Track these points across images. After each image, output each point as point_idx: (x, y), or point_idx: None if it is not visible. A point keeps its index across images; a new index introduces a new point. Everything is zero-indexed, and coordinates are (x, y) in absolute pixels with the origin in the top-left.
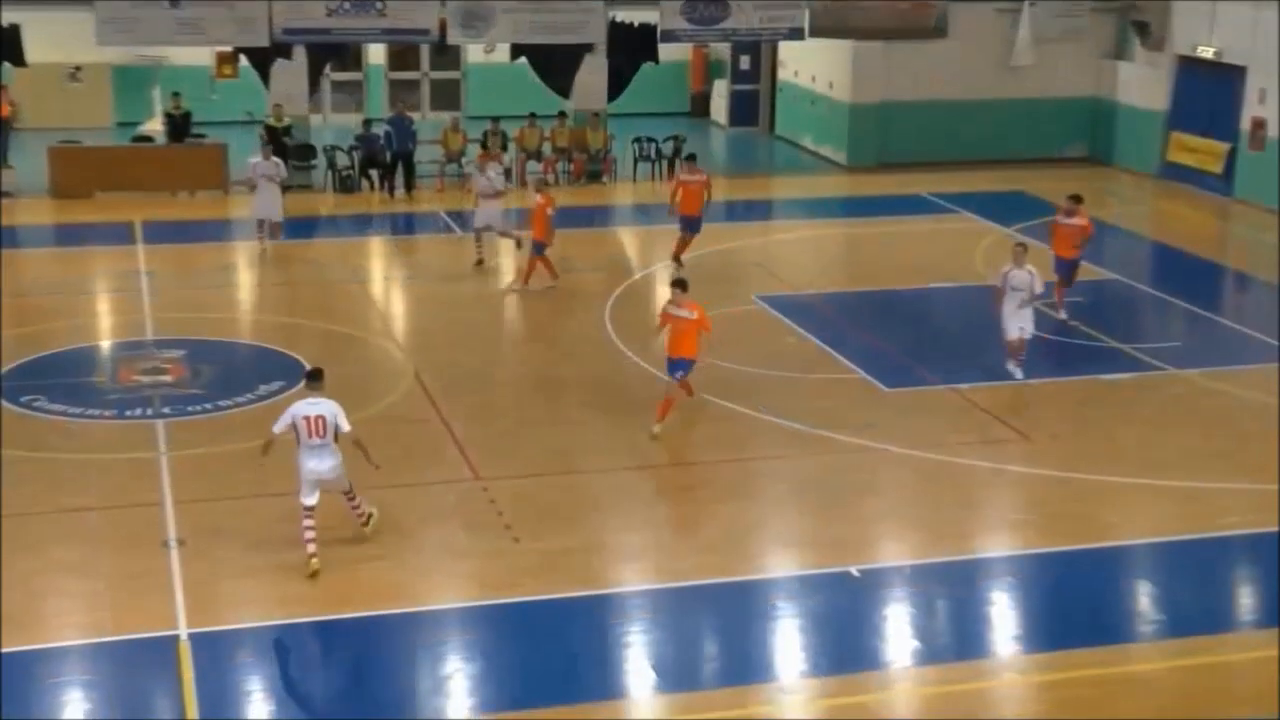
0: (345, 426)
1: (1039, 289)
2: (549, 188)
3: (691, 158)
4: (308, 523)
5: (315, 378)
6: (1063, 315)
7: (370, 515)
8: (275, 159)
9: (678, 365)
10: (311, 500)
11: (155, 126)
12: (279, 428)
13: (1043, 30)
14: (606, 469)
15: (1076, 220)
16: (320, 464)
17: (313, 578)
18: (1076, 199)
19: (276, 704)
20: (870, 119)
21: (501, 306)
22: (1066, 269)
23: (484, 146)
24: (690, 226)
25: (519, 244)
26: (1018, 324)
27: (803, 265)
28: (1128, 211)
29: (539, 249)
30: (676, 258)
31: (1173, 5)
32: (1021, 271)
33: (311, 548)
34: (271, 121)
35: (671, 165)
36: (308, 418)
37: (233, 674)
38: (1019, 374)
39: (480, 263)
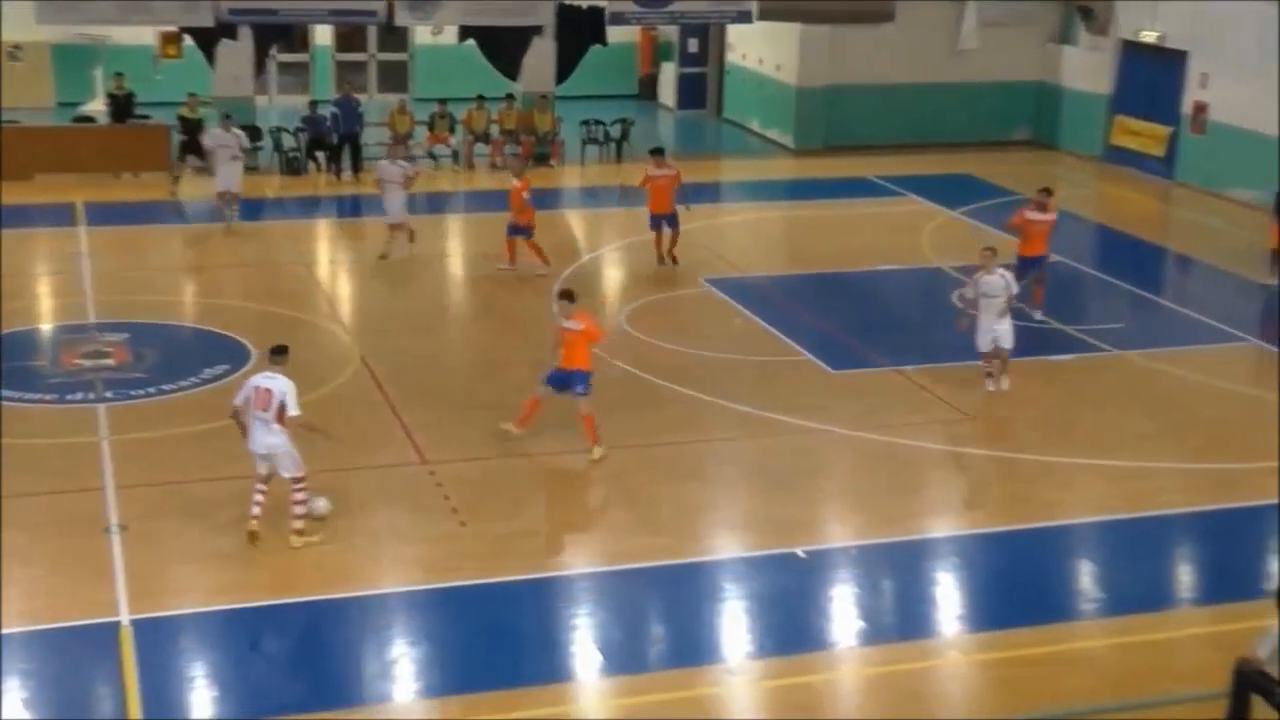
0: (292, 409)
1: (1015, 291)
2: (526, 170)
3: (659, 151)
4: (256, 490)
5: (277, 353)
6: (1040, 315)
7: (303, 534)
8: (236, 130)
9: (573, 378)
10: (261, 470)
11: (98, 107)
12: (238, 400)
13: (988, 15)
14: (554, 452)
15: (1049, 215)
16: (262, 438)
17: (250, 539)
18: (1047, 192)
19: (220, 690)
20: (818, 102)
21: (449, 290)
22: (1038, 265)
23: (431, 129)
24: (668, 223)
25: (412, 237)
26: (992, 335)
27: (750, 248)
28: (1072, 194)
29: (519, 231)
30: (668, 256)
31: None
32: (993, 276)
33: (255, 510)
34: (185, 112)
35: (619, 148)
36: (258, 388)
37: (176, 660)
38: (1000, 385)
39: (384, 256)
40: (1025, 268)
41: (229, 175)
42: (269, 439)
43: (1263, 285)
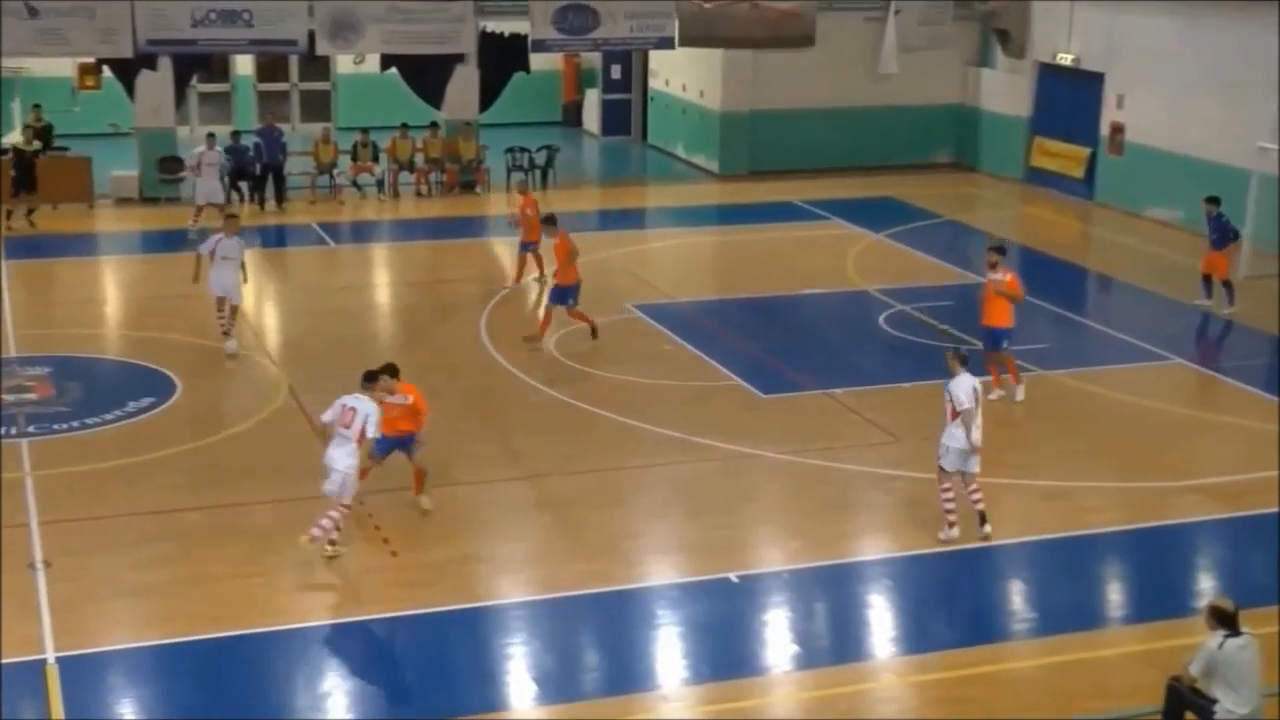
0: (371, 432)
1: (970, 403)
2: (529, 189)
3: (551, 220)
4: (328, 514)
5: (369, 379)
6: (1020, 397)
7: (335, 545)
8: (218, 148)
9: (397, 442)
10: (326, 487)
11: (15, 139)
12: (327, 416)
13: (908, 39)
14: (485, 480)
15: (998, 275)
16: (339, 455)
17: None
18: (999, 250)
19: None
20: (741, 127)
21: (376, 319)
22: (1001, 338)
23: (355, 158)
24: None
25: (233, 353)
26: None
27: (677, 273)
28: (994, 216)
29: (528, 247)
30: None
31: (1032, 13)
32: (960, 381)
33: (330, 535)
34: (20, 143)
35: (544, 175)
36: (345, 406)
37: (103, 697)
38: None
39: (227, 334)
40: (995, 340)
41: (212, 189)
42: (345, 459)
43: (1196, 306)
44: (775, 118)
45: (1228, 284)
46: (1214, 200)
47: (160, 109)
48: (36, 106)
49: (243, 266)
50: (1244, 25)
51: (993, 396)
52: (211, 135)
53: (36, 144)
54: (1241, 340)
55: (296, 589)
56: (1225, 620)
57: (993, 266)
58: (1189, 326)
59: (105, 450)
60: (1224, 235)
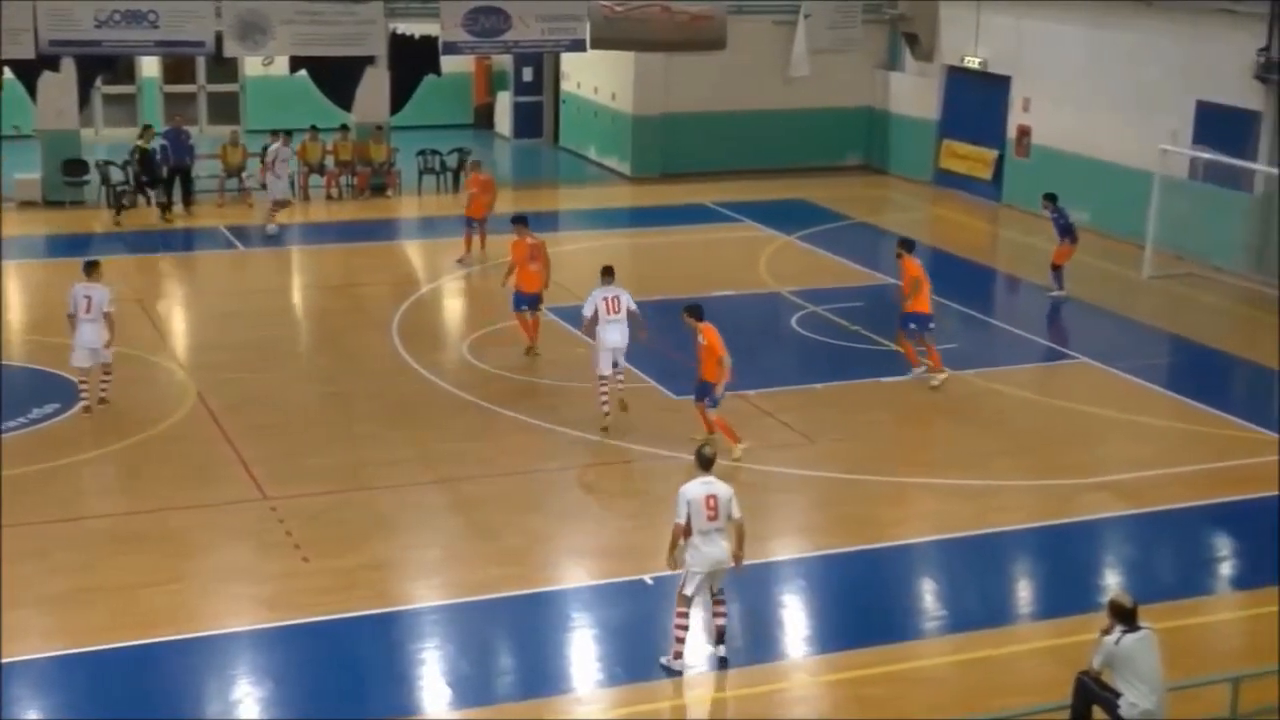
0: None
1: (736, 513)
2: (479, 168)
3: (521, 220)
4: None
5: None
6: (936, 383)
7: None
8: (290, 146)
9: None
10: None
11: None
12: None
13: (818, 42)
14: (399, 484)
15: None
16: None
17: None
18: (907, 245)
19: None
20: (653, 130)
21: (286, 323)
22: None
23: (263, 161)
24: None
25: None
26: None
27: (590, 276)
28: (904, 218)
29: (470, 224)
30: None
31: (940, 17)
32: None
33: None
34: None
35: (456, 178)
36: (606, 298)
37: (14, 709)
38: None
39: (96, 405)
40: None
41: (284, 186)
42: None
43: (1051, 296)
44: (687, 120)
45: (1059, 268)
46: (1051, 197)
47: (64, 111)
48: None
49: (108, 320)
50: (1147, 29)
51: (919, 371)
52: (288, 133)
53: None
54: (1145, 340)
55: (207, 596)
56: (1123, 615)
57: (900, 259)
58: (1094, 326)
59: (10, 458)
60: (1066, 228)
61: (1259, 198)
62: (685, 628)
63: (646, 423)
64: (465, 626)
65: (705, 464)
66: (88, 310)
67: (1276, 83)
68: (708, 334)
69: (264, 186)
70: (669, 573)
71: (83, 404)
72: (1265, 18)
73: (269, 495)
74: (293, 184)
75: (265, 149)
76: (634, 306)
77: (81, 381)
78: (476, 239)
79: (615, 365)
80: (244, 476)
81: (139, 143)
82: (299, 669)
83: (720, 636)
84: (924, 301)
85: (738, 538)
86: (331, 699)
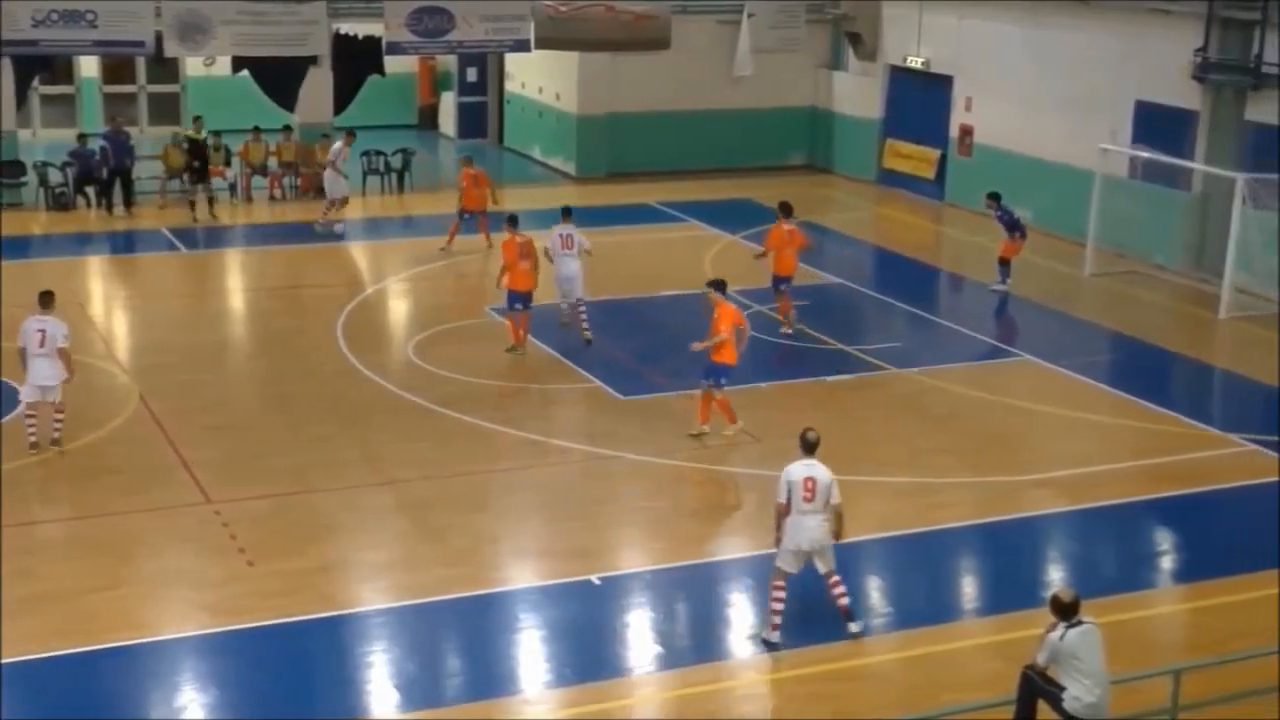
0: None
1: (835, 498)
2: (470, 163)
3: (512, 220)
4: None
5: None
6: (788, 330)
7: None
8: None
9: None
10: None
11: None
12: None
13: (761, 42)
14: (344, 486)
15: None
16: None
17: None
18: (785, 209)
19: None
20: (598, 130)
21: (230, 325)
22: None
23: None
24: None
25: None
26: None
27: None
28: (848, 217)
29: (464, 216)
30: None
31: (883, 17)
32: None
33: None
34: (191, 133)
35: (400, 179)
36: (561, 235)
37: None
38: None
39: (47, 446)
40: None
41: (343, 185)
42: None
43: (993, 289)
44: (632, 120)
45: (1007, 263)
46: (994, 196)
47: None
48: None
49: (63, 356)
50: (1087, 30)
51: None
52: (352, 131)
53: (205, 132)
54: (1087, 337)
55: (152, 601)
56: (1065, 610)
57: (786, 214)
58: (1037, 323)
59: None
60: (1012, 225)
61: (1197, 196)
62: (781, 600)
63: (592, 423)
64: (413, 628)
65: (808, 447)
66: (41, 344)
67: (1213, 83)
68: (720, 309)
69: (322, 189)
70: (616, 573)
71: (30, 442)
72: (1202, 18)
73: (213, 499)
74: (235, 187)
75: (328, 148)
76: (586, 244)
77: (29, 417)
78: (479, 231)
79: (567, 297)
80: (188, 480)
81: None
82: (245, 674)
83: (849, 615)
84: (787, 264)
85: (837, 520)
86: (278, 704)
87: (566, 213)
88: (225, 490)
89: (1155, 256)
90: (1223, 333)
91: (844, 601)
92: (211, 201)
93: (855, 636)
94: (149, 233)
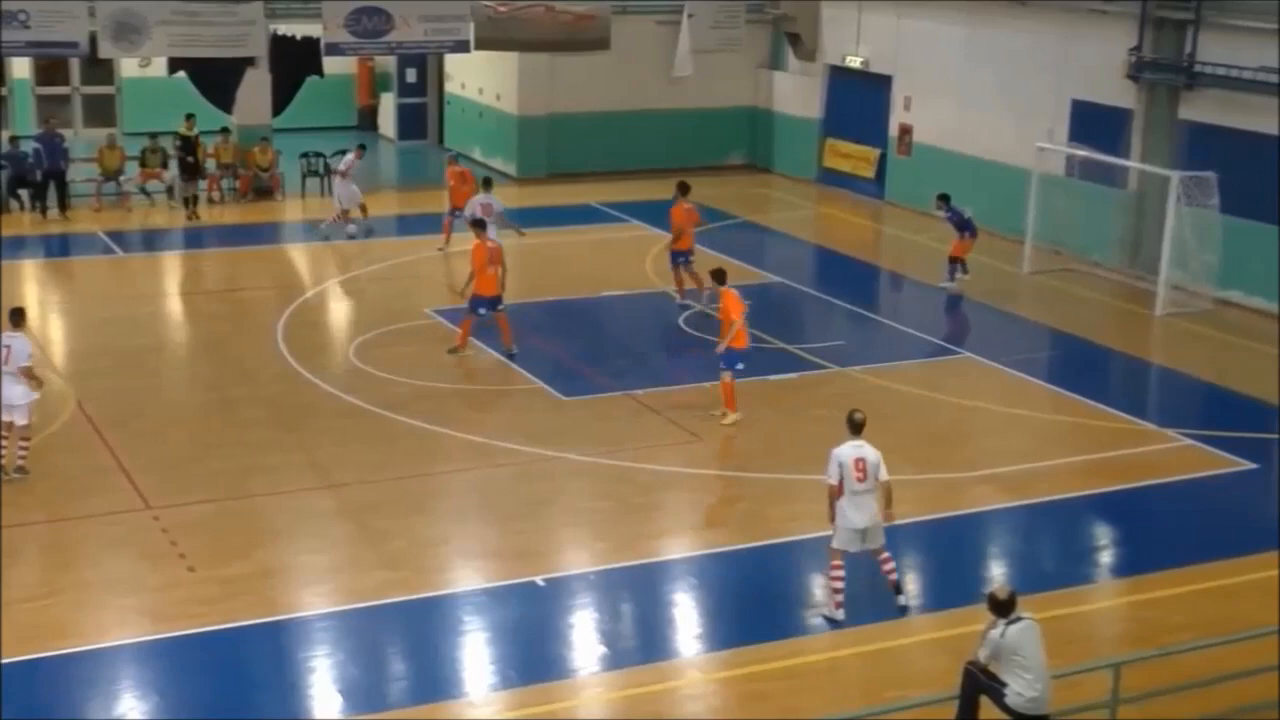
0: (883, 475)
1: (884, 476)
2: (455, 161)
3: (480, 224)
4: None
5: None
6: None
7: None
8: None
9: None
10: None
11: None
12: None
13: (701, 42)
14: (285, 491)
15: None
16: (861, 512)
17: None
18: (683, 188)
19: None
20: (539, 130)
21: (169, 329)
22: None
23: (143, 164)
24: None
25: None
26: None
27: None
28: (789, 216)
29: (455, 214)
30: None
31: (822, 17)
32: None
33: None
34: (183, 130)
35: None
36: (481, 204)
37: None
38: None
39: (12, 474)
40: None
41: (350, 193)
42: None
43: (942, 286)
44: (572, 121)
45: (956, 261)
46: (944, 198)
47: None
48: None
49: (27, 374)
50: (1024, 30)
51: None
52: (363, 146)
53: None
54: (1026, 334)
55: (90, 610)
56: (1003, 608)
57: (683, 193)
58: (977, 321)
59: None
60: (962, 224)
61: (1132, 194)
62: (841, 578)
63: (535, 425)
64: (356, 633)
65: (855, 428)
66: (5, 362)
67: (1147, 82)
68: (726, 298)
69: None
70: (560, 574)
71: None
72: (1136, 18)
73: (152, 505)
74: (172, 190)
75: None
76: (501, 208)
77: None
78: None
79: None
80: (126, 486)
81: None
82: (186, 680)
83: (897, 588)
84: (688, 241)
85: (886, 498)
86: (220, 710)
87: (487, 183)
88: (164, 496)
89: (1092, 254)
90: (1159, 329)
91: (893, 576)
92: (197, 199)
93: (903, 609)
94: (85, 236)
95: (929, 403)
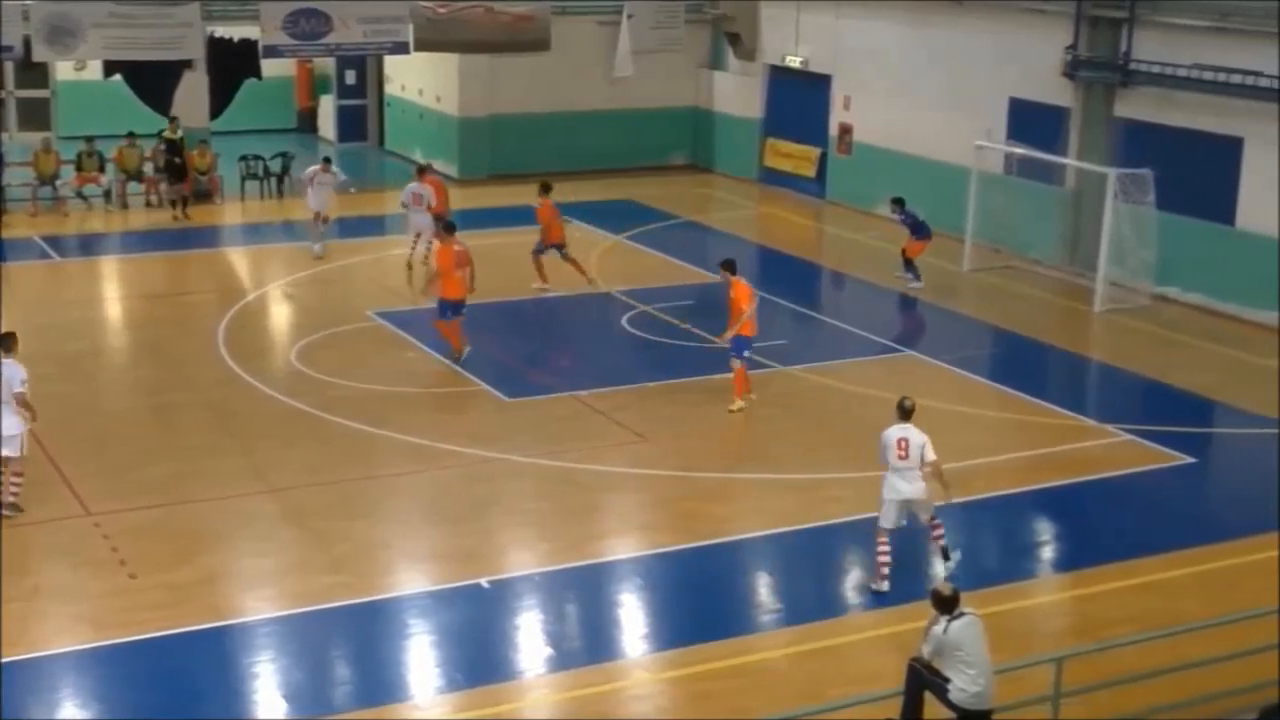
0: (930, 455)
1: (930, 456)
2: (430, 169)
3: (450, 228)
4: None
5: (906, 413)
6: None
7: None
8: (333, 171)
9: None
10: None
11: None
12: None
13: (641, 42)
14: (228, 495)
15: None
16: (904, 486)
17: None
18: (544, 189)
19: None
20: (480, 132)
21: (107, 334)
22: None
23: (80, 168)
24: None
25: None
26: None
27: (418, 279)
28: (730, 216)
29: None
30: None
31: (761, 16)
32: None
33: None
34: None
35: (280, 183)
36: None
37: None
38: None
39: (5, 510)
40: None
41: (323, 198)
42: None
43: (911, 287)
44: (513, 122)
45: (910, 263)
46: (898, 201)
47: None
48: None
49: (20, 402)
50: (961, 29)
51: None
52: (328, 159)
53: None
54: (967, 332)
55: (31, 618)
56: (946, 604)
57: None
58: (919, 319)
59: None
60: (917, 227)
61: (1070, 191)
62: (886, 553)
63: (478, 427)
64: (300, 637)
65: (905, 413)
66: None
67: (1084, 80)
68: (736, 288)
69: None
70: (505, 576)
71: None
72: (1072, 17)
73: (93, 511)
74: (109, 193)
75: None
76: (424, 193)
77: None
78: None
79: (420, 235)
80: (66, 493)
81: None
82: (129, 688)
83: (945, 553)
84: (559, 234)
85: (938, 478)
86: (164, 717)
87: (420, 171)
88: (105, 502)
89: (1031, 251)
90: (1098, 325)
91: (942, 543)
92: (186, 200)
93: (949, 571)
94: (21, 241)
95: (871, 400)
